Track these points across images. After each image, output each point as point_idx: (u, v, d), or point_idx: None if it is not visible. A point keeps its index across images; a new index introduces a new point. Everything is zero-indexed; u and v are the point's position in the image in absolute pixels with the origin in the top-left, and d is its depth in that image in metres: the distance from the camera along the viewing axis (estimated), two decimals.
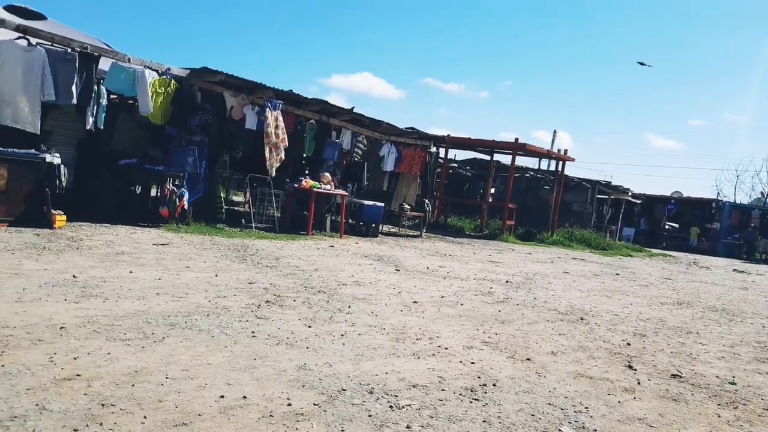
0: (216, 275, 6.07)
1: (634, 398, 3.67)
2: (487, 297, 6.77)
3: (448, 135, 16.86)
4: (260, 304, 4.99)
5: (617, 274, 11.27)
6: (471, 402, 3.24)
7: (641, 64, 32.98)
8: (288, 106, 11.33)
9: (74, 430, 2.36)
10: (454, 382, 3.54)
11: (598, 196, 22.70)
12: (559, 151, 20.90)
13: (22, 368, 2.93)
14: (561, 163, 19.21)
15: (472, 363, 4.00)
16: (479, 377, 3.71)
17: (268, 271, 6.71)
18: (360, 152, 13.32)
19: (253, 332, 4.10)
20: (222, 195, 11.40)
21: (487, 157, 19.73)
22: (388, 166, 14.21)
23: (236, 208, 14.39)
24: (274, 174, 11.24)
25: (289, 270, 6.98)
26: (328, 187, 11.59)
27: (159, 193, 9.80)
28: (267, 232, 10.68)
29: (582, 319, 6.09)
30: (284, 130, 11.03)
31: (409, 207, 13.95)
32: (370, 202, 12.55)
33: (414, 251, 10.91)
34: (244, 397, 2.92)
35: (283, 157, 11.30)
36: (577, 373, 4.05)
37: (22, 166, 7.74)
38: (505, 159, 19.90)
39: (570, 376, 3.97)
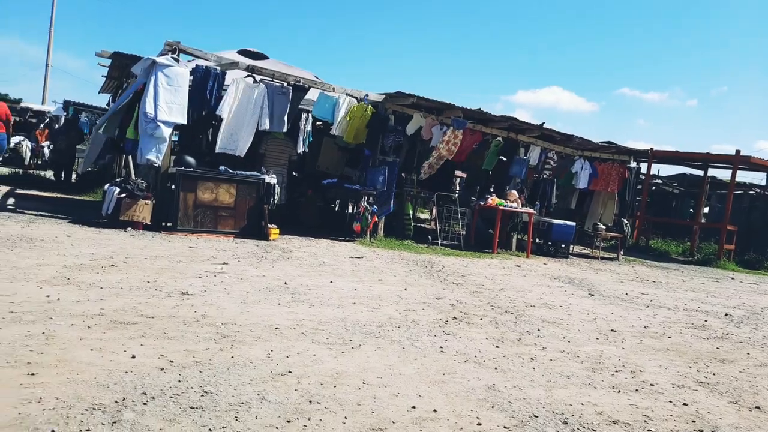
0: (405, 289, 6.30)
1: None
2: (700, 331, 5.94)
3: (651, 148, 15.34)
4: (447, 320, 5.04)
5: None
6: None
7: None
8: (476, 125, 11.41)
9: (287, 421, 2.63)
10: (663, 424, 3.15)
11: None
12: None
13: (246, 361, 3.36)
14: None
15: (685, 404, 3.53)
16: (694, 421, 3.25)
17: (455, 288, 6.77)
18: (549, 169, 12.80)
19: (441, 347, 4.15)
20: (410, 212, 11.87)
21: (698, 172, 17.46)
22: (581, 183, 13.40)
23: (422, 225, 14.86)
24: (423, 177, 11.46)
25: (474, 288, 6.96)
26: (514, 204, 11.35)
27: (354, 210, 10.59)
28: (452, 249, 10.81)
29: None
30: (458, 147, 11.09)
31: (604, 227, 12.97)
32: (560, 221, 11.95)
33: (610, 275, 10.08)
34: (435, 410, 2.96)
35: (434, 171, 11.50)
36: None
37: (246, 186, 8.99)
38: (721, 174, 17.40)
39: None
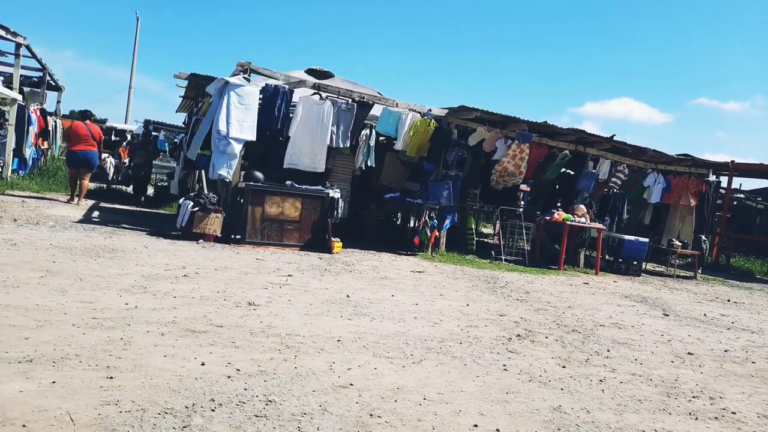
0: (467, 305, 6.22)
1: None
2: None
3: (732, 161, 14.43)
4: (511, 338, 4.92)
5: None
6: None
7: None
8: (542, 138, 11.17)
9: None
10: None
11: None
12: None
13: (309, 372, 3.42)
14: None
15: None
16: None
17: (519, 305, 6.61)
18: (619, 183, 12.30)
19: (504, 365, 4.05)
20: (473, 227, 11.73)
21: None
22: (654, 197, 12.78)
23: (485, 240, 14.63)
24: (500, 188, 11.25)
25: (539, 305, 6.76)
26: (582, 219, 10.97)
27: (416, 224, 10.58)
28: (516, 264, 10.57)
29: None
30: (526, 162, 10.86)
31: (680, 244, 12.29)
32: (632, 237, 11.44)
33: (686, 294, 9.51)
34: (497, 430, 2.89)
35: (518, 185, 11.24)
36: None
37: (311, 200, 9.20)
38: None
39: None
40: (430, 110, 10.25)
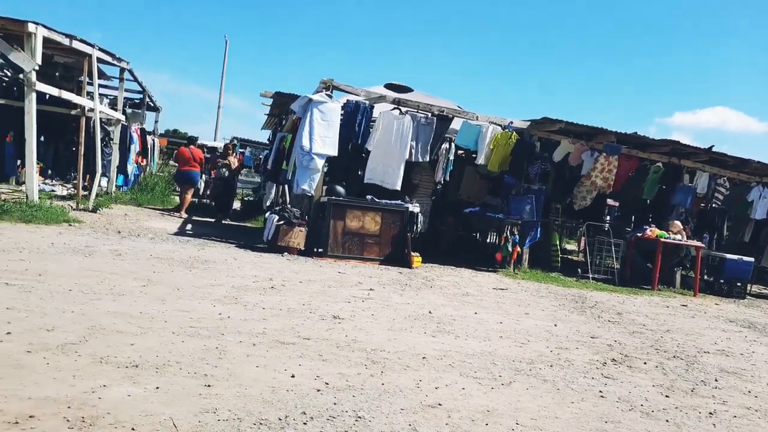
0: (555, 325, 5.95)
1: None
2: None
3: None
4: (606, 362, 4.64)
5: None
6: None
7: None
8: (631, 150, 10.61)
9: None
10: None
11: None
12: None
13: (396, 389, 3.37)
14: None
15: None
16: None
17: (611, 327, 6.24)
18: (720, 197, 11.42)
19: (600, 392, 3.82)
20: (557, 243, 11.30)
21: None
22: (758, 213, 11.75)
23: (569, 257, 14.05)
24: (579, 207, 10.69)
25: (634, 327, 6.35)
26: (678, 237, 10.27)
27: (497, 239, 10.35)
28: (605, 283, 10.04)
29: None
30: (614, 176, 10.32)
31: None
32: (734, 256, 10.56)
33: None
34: None
35: (587, 203, 10.69)
36: None
37: (391, 215, 9.23)
38: None
39: None
40: (511, 123, 10.03)
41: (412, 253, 9.05)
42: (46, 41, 8.86)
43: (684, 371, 4.64)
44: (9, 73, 13.45)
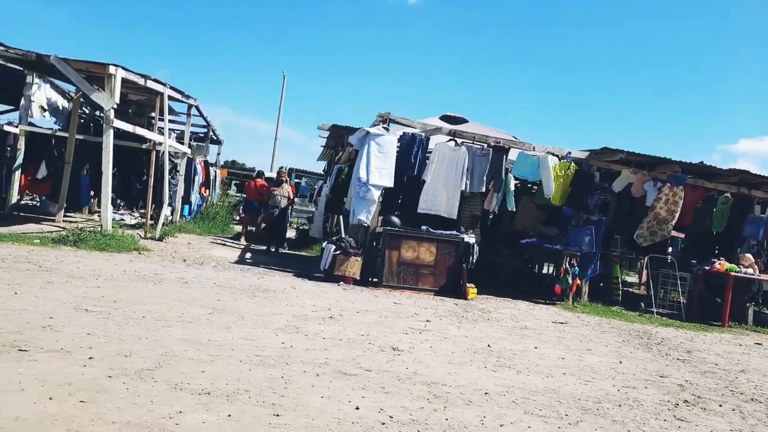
0: (620, 362, 5.74)
1: None
2: None
3: None
4: (677, 403, 4.43)
5: None
6: None
7: None
8: (697, 180, 10.23)
9: None
10: None
11: None
12: None
13: (461, 425, 3.34)
14: None
15: None
16: None
17: (680, 365, 5.95)
18: None
19: None
20: (618, 275, 10.92)
21: None
22: None
23: (630, 290, 13.52)
24: (644, 244, 10.24)
25: (706, 367, 6.04)
26: (749, 270, 9.73)
27: (554, 271, 10.12)
28: (670, 319, 9.60)
29: None
30: (680, 207, 9.93)
31: None
32: None
33: None
34: None
35: (667, 234, 10.23)
36: None
37: (446, 245, 9.22)
38: None
39: None
40: (569, 153, 9.90)
41: (468, 285, 8.97)
42: (123, 81, 9.51)
43: (764, 416, 4.37)
44: (87, 111, 14.44)
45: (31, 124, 12.09)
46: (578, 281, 9.67)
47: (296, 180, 23.06)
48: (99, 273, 6.76)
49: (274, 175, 27.95)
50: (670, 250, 12.81)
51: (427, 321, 6.66)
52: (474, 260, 9.48)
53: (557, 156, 9.81)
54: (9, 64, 11.07)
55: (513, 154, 10.15)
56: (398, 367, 4.45)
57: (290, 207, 14.97)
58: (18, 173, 12.10)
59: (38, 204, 13.96)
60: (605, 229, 10.08)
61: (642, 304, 10.14)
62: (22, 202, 13.66)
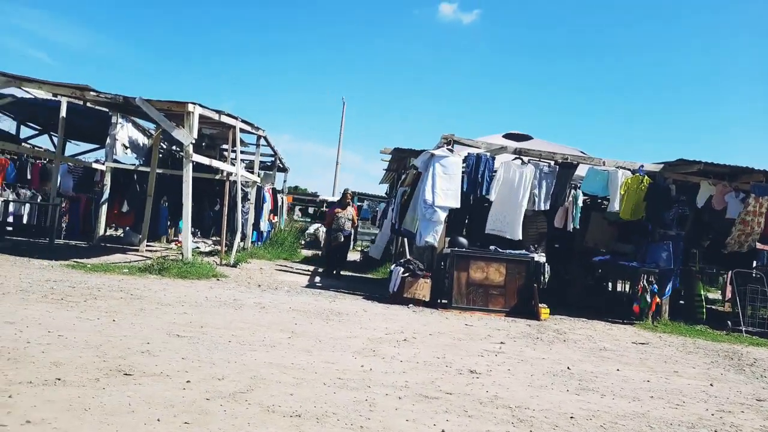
0: (711, 384, 5.45)
1: None
2: None
3: None
4: None
5: None
6: None
7: None
8: None
9: None
10: None
11: None
12: None
13: None
14: None
15: None
16: None
17: None
18: None
19: None
20: (701, 292, 10.37)
21: None
22: None
23: (713, 307, 12.77)
24: (731, 250, 9.66)
25: None
26: None
27: (630, 290, 9.74)
28: (761, 338, 9.00)
29: None
30: (764, 218, 9.36)
31: None
32: None
33: None
34: None
35: (755, 246, 9.62)
36: None
37: (516, 265, 9.10)
38: None
39: None
40: (642, 166, 9.59)
41: (540, 305, 8.80)
42: (200, 117, 10.10)
43: None
44: (164, 146, 15.38)
45: (115, 161, 13.00)
46: (657, 299, 9.27)
47: (358, 203, 23.45)
48: (184, 300, 7.14)
49: (335, 197, 28.57)
50: (755, 264, 12.05)
51: (502, 343, 6.59)
52: (546, 280, 9.30)
53: (629, 170, 9.54)
54: (97, 107, 12.02)
55: (581, 170, 9.95)
56: (478, 390, 4.44)
57: (355, 231, 15.13)
58: (105, 207, 13.00)
59: (122, 235, 14.89)
60: (683, 244, 9.64)
61: (729, 322, 9.57)
62: (107, 233, 14.63)
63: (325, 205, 26.00)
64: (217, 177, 13.82)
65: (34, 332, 4.69)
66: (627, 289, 11.99)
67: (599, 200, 11.73)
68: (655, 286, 9.24)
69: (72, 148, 17.25)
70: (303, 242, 20.15)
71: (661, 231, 9.47)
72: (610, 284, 12.50)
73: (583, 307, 10.32)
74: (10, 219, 13.13)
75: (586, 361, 6.06)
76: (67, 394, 3.33)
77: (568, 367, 5.59)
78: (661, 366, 6.15)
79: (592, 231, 11.34)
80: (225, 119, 11.01)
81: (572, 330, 8.08)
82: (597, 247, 11.27)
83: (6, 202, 12.75)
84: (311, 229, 21.98)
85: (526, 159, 9.67)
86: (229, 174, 12.42)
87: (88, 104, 11.48)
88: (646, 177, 9.38)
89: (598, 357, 6.34)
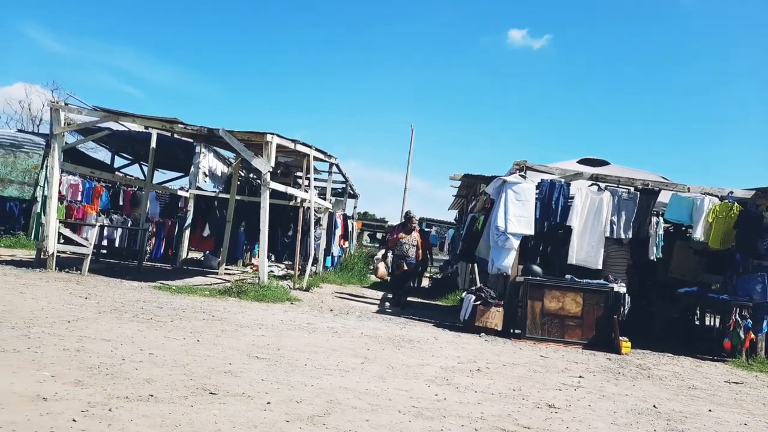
0: None
1: None
2: None
3: None
4: None
5: None
6: None
7: None
8: None
9: None
10: None
11: None
12: None
13: None
14: None
15: None
16: None
17: None
18: None
19: None
20: None
21: None
22: None
23: None
24: None
25: None
26: None
27: (720, 324, 9.09)
28: None
29: None
30: None
31: None
32: None
33: None
34: None
35: None
36: None
37: (594, 295, 8.75)
38: None
39: None
40: (731, 192, 9.03)
41: (621, 338, 8.38)
42: (277, 146, 10.55)
43: None
44: (242, 174, 16.14)
45: (198, 188, 13.77)
46: (752, 335, 8.59)
47: (426, 228, 23.43)
48: (261, 322, 7.38)
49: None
50: None
51: (581, 377, 6.31)
52: (626, 311, 8.85)
53: (716, 196, 9.00)
54: (183, 138, 12.84)
55: (664, 197, 9.49)
56: (558, 425, 4.27)
57: (429, 259, 14.98)
58: (188, 231, 13.75)
59: (202, 258, 15.66)
60: None
61: None
62: (188, 256, 15.43)
63: (386, 227, 26.13)
64: (291, 203, 14.31)
65: (128, 350, 5.00)
66: (716, 323, 11.20)
67: (683, 228, 11.11)
68: (749, 321, 8.58)
69: (159, 176, 18.48)
70: (371, 267, 20.33)
71: (755, 262, 8.82)
72: (700, 318, 11.73)
73: (665, 342, 9.73)
74: (104, 242, 14.16)
75: (674, 399, 5.69)
76: (159, 410, 3.52)
77: (654, 406, 5.27)
78: (760, 408, 5.67)
79: (676, 260, 10.72)
80: (300, 148, 11.43)
81: (657, 365, 7.63)
82: (683, 277, 10.63)
83: (102, 227, 13.78)
84: (379, 254, 22.17)
85: (603, 185, 9.36)
86: (303, 200, 12.83)
87: (175, 135, 12.29)
88: (736, 204, 8.82)
89: (686, 396, 5.94)
